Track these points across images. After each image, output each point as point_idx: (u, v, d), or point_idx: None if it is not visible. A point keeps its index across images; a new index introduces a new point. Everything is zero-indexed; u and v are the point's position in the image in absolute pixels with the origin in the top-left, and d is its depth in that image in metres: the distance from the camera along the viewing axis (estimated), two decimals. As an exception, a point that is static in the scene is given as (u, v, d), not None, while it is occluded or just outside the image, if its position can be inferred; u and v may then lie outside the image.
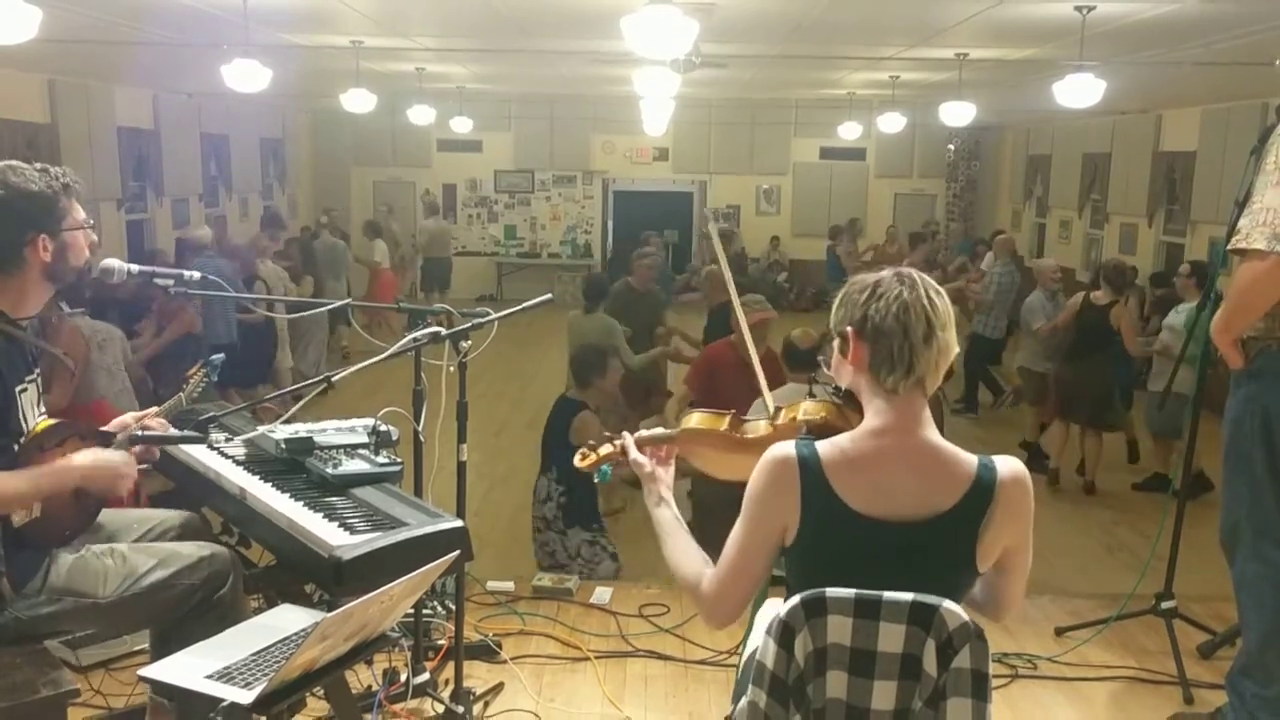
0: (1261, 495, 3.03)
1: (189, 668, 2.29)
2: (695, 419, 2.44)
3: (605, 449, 2.43)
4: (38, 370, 2.62)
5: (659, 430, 2.46)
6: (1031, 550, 2.03)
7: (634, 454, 2.35)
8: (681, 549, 2.14)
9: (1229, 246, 2.91)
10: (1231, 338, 3.00)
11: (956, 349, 1.97)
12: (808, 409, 2.35)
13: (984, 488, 1.91)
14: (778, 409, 2.45)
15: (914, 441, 1.94)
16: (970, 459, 1.95)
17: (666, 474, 2.33)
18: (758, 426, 2.41)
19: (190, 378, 3.08)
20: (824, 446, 1.95)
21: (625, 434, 2.42)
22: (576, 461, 2.47)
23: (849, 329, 1.96)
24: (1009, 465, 1.95)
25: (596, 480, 2.48)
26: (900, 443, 1.93)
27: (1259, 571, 3.07)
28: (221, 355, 3.26)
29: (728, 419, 2.41)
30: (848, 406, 2.17)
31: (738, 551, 2.00)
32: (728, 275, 3.13)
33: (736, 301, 3.02)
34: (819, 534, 1.94)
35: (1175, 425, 6.83)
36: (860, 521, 1.91)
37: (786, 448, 1.96)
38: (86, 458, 2.52)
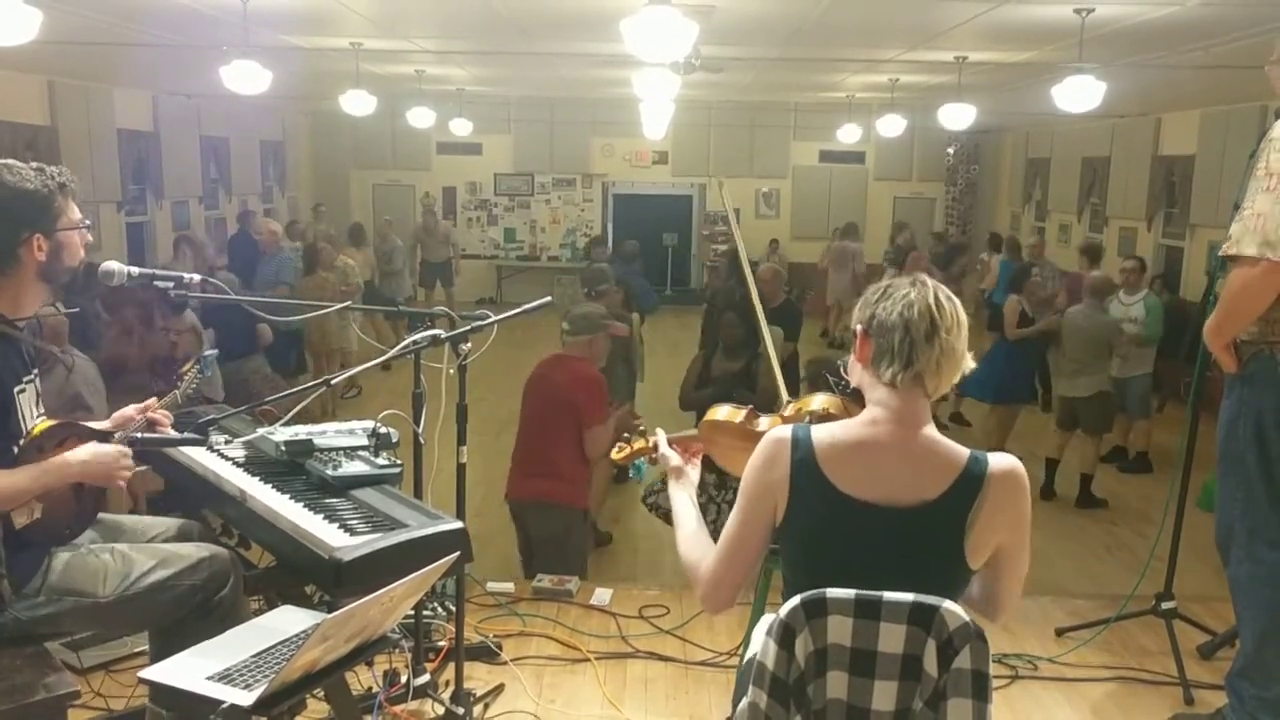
0: (1255, 496, 3.05)
1: (189, 669, 2.29)
2: (720, 412, 2.61)
3: (639, 443, 2.63)
4: (36, 370, 2.62)
5: (688, 431, 2.64)
6: (1028, 552, 2.04)
7: (664, 449, 2.52)
8: (692, 537, 2.23)
9: (1220, 252, 2.93)
10: (1224, 342, 3.03)
11: (968, 362, 2.00)
12: (815, 402, 2.47)
13: (973, 479, 1.94)
14: (788, 401, 2.57)
15: (908, 434, 1.97)
16: (962, 451, 1.98)
17: (693, 471, 2.47)
18: (768, 419, 2.55)
19: (185, 374, 3.07)
20: (818, 430, 2.01)
21: (659, 430, 2.59)
22: (612, 454, 2.66)
23: (859, 327, 2.03)
24: (1001, 460, 1.98)
25: (631, 475, 2.63)
26: (894, 434, 1.97)
27: (1253, 572, 3.09)
28: (215, 351, 3.24)
29: (744, 412, 2.57)
30: (854, 403, 2.22)
31: (733, 531, 2.07)
32: (747, 269, 3.27)
33: (757, 300, 3.16)
34: (806, 513, 1.98)
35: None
36: (847, 503, 1.94)
37: (783, 429, 2.03)
38: (83, 453, 2.51)
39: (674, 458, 2.48)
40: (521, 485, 4.93)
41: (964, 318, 2.00)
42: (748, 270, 3.32)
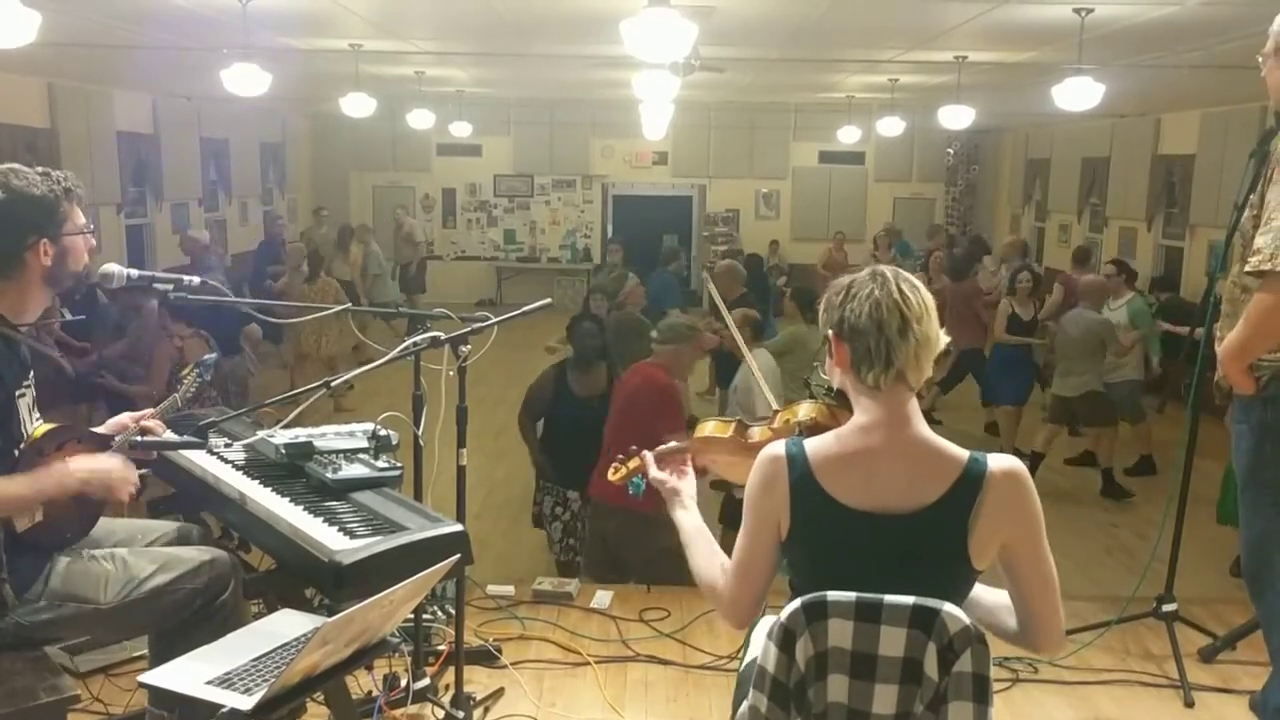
0: None
1: (189, 673, 2.29)
2: (707, 428, 2.54)
3: (634, 462, 2.53)
4: (33, 374, 2.62)
5: (673, 444, 2.54)
6: (1050, 559, 2.00)
7: (654, 472, 2.42)
8: (703, 555, 2.19)
9: (1248, 268, 2.71)
10: (1246, 364, 2.82)
11: (941, 342, 1.98)
12: (801, 411, 2.43)
13: (972, 479, 1.92)
14: (775, 412, 2.52)
15: (902, 435, 1.95)
16: (961, 452, 1.96)
17: (688, 485, 2.39)
18: (758, 429, 2.48)
19: (184, 378, 3.07)
20: (812, 443, 1.99)
21: (645, 454, 2.49)
22: (610, 475, 2.57)
23: (830, 331, 2.01)
24: (1001, 460, 1.96)
25: (631, 493, 2.54)
26: (888, 437, 1.95)
27: None
28: (214, 355, 3.24)
29: (734, 425, 2.50)
30: (841, 408, 2.20)
31: (742, 553, 2.05)
32: (733, 326, 3.33)
33: (736, 330, 3.16)
34: (809, 528, 1.96)
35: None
36: (848, 515, 1.93)
37: (776, 447, 2.00)
38: (85, 464, 2.51)
39: (668, 480, 2.38)
40: (596, 484, 4.87)
41: (930, 301, 1.98)
42: (723, 309, 3.39)
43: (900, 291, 1.94)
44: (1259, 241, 2.65)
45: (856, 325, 1.94)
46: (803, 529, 1.96)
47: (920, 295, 1.96)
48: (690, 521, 2.28)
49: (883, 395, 1.96)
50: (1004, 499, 1.93)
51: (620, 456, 2.57)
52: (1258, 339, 2.75)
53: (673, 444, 2.52)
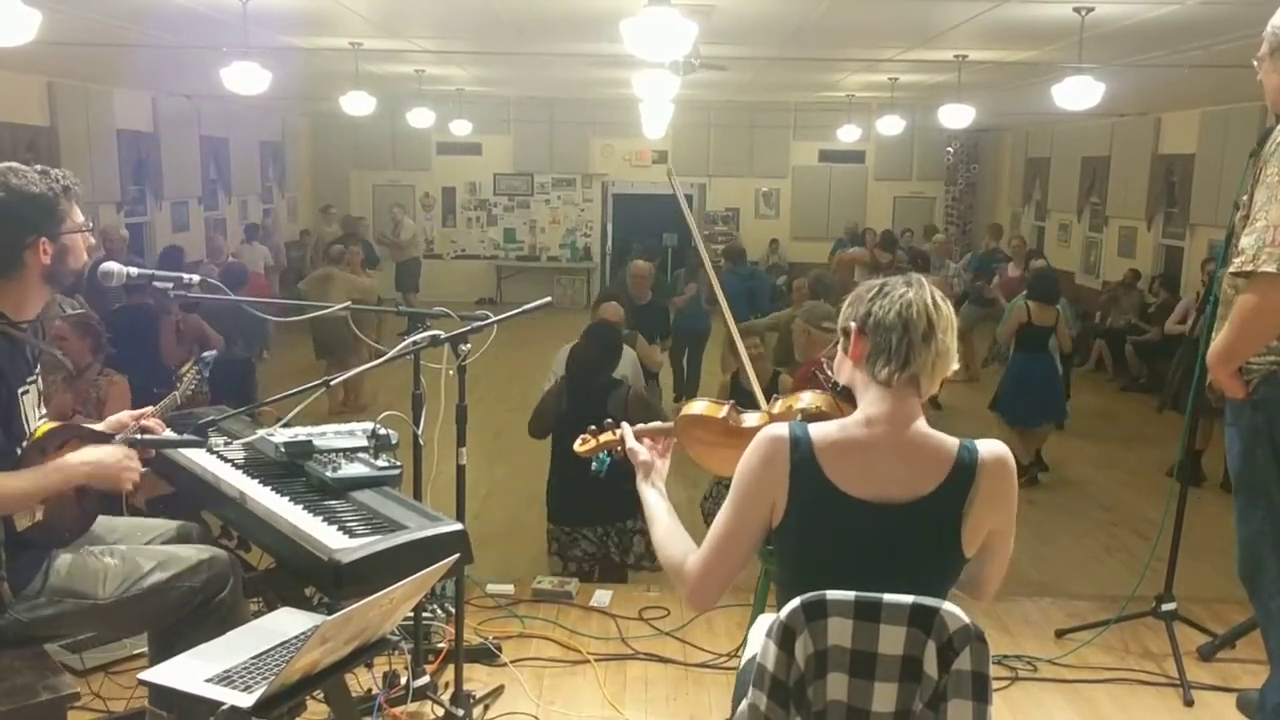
0: None
1: (189, 671, 2.29)
2: (697, 407, 2.50)
3: (605, 436, 2.52)
4: (38, 372, 2.62)
5: (656, 424, 2.53)
6: (1014, 533, 2.06)
7: (631, 442, 2.43)
8: (669, 532, 2.18)
9: (1232, 269, 2.69)
10: (1233, 368, 2.79)
11: (956, 360, 2.01)
12: (805, 399, 2.41)
13: (965, 469, 1.95)
14: (775, 398, 2.51)
15: (903, 433, 1.98)
16: (952, 441, 1.99)
17: (662, 464, 2.40)
18: (754, 415, 2.46)
19: (184, 375, 3.07)
20: (816, 428, 2.00)
21: (624, 424, 2.49)
22: (576, 446, 2.56)
23: (853, 324, 2.02)
24: (990, 446, 1.99)
25: (594, 468, 2.51)
26: (890, 433, 1.97)
27: None
28: (213, 352, 3.24)
29: (727, 408, 2.47)
30: (845, 401, 2.20)
31: (725, 529, 2.03)
32: (704, 252, 3.23)
33: (715, 278, 3.11)
34: (806, 512, 1.97)
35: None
36: (847, 502, 1.94)
37: (780, 427, 2.01)
38: (89, 455, 2.51)
39: (642, 452, 2.39)
40: None
41: (955, 319, 2.02)
42: (714, 277, 3.29)
43: (933, 300, 1.98)
44: (1243, 242, 2.64)
45: (883, 321, 1.97)
46: (798, 510, 1.97)
47: (949, 309, 2.01)
48: (659, 498, 2.28)
49: (891, 393, 1.98)
50: (995, 486, 1.96)
51: (593, 428, 2.56)
52: (1243, 342, 2.73)
53: (656, 424, 2.52)
